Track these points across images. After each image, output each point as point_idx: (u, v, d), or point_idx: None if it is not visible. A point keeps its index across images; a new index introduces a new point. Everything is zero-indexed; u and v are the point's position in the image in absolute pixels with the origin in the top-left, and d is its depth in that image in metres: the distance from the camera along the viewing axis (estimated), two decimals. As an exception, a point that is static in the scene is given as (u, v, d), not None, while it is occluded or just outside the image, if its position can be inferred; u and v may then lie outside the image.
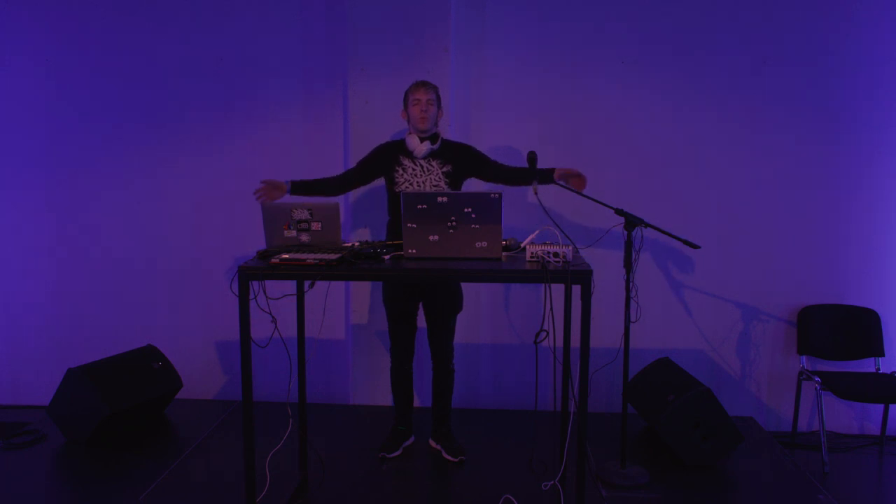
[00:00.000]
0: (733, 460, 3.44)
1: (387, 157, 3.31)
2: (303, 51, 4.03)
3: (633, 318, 3.15)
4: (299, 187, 3.28)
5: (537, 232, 2.80)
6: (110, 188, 4.18)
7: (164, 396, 3.94)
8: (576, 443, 2.57)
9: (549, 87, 3.96)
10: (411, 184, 3.26)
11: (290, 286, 2.83)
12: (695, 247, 3.09)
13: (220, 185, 4.13)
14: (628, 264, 3.07)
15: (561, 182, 3.18)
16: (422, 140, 3.26)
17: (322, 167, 4.03)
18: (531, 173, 3.00)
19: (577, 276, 2.46)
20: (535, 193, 2.91)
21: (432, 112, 3.25)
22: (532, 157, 3.06)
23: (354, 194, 3.89)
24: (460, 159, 3.32)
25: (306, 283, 3.04)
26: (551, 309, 2.53)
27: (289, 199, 2.98)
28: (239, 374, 2.59)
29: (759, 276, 3.99)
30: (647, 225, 3.07)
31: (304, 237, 2.68)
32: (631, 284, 3.09)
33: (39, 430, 3.75)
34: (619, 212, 3.07)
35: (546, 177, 3.21)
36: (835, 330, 3.89)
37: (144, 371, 3.87)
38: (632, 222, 3.03)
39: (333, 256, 2.54)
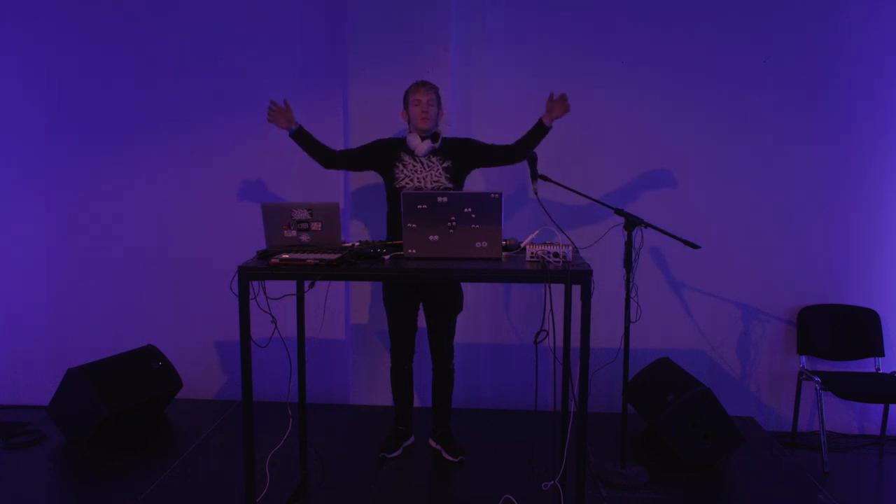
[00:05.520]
0: (733, 460, 3.44)
1: (387, 152, 3.32)
2: (303, 50, 4.03)
3: (633, 318, 3.15)
4: (302, 135, 3.35)
5: (537, 232, 2.80)
6: (110, 189, 4.18)
7: (164, 396, 3.94)
8: (576, 443, 2.57)
9: (548, 87, 3.91)
10: (412, 179, 3.26)
11: (290, 286, 2.83)
12: (695, 247, 3.09)
13: (220, 185, 4.13)
14: (628, 264, 3.07)
15: (555, 180, 3.17)
16: (422, 139, 3.26)
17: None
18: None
19: (577, 276, 2.46)
20: (535, 193, 2.92)
21: (433, 113, 3.25)
22: (532, 157, 3.06)
23: (355, 185, 3.90)
24: (462, 154, 3.32)
25: (306, 283, 3.03)
26: (551, 309, 2.53)
27: (289, 199, 2.97)
28: (239, 374, 2.59)
29: (758, 276, 3.99)
30: (647, 225, 3.07)
31: (304, 237, 2.68)
32: (631, 284, 3.09)
33: (39, 430, 3.75)
34: (618, 212, 3.07)
35: (541, 131, 3.30)
36: (835, 330, 3.89)
37: (144, 371, 3.87)
38: (632, 222, 3.03)
39: (333, 256, 2.54)
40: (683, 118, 3.93)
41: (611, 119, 3.95)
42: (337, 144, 4.01)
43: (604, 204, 3.09)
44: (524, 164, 3.14)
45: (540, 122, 3.30)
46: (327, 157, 3.41)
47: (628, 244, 3.06)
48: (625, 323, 3.14)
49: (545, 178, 3.06)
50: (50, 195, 4.21)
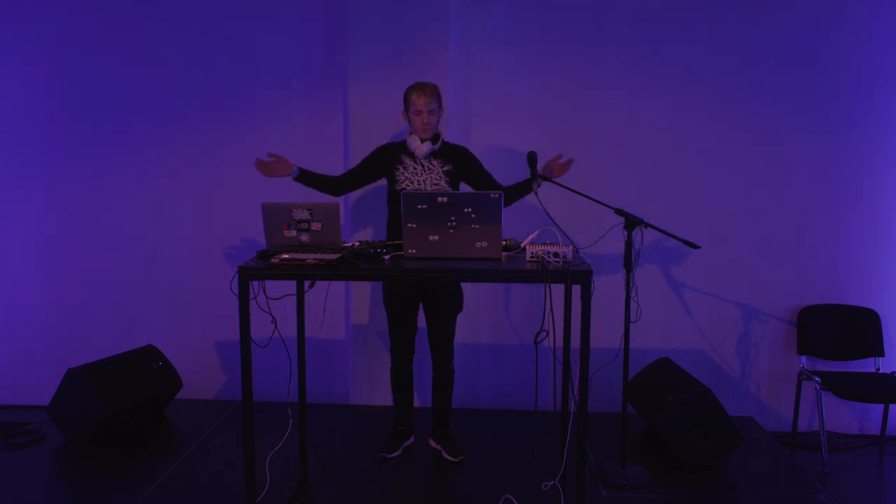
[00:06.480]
0: (733, 460, 3.44)
1: (388, 157, 3.32)
2: (303, 51, 4.03)
3: (633, 318, 3.15)
4: (306, 176, 3.31)
5: (537, 232, 2.80)
6: (110, 188, 4.18)
7: (164, 396, 3.94)
8: (576, 443, 2.57)
9: (548, 87, 3.96)
10: (412, 182, 3.27)
11: (290, 286, 2.83)
12: (695, 247, 3.09)
13: (220, 184, 4.13)
14: (628, 264, 3.07)
15: (555, 180, 3.17)
16: (423, 140, 3.26)
17: (323, 167, 4.04)
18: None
19: (577, 276, 2.46)
20: (536, 194, 2.92)
21: (433, 120, 3.25)
22: (532, 157, 3.06)
23: (355, 194, 3.90)
24: (460, 161, 3.33)
25: (306, 283, 3.03)
26: (551, 309, 2.53)
27: (288, 198, 2.97)
28: (239, 374, 2.59)
29: (759, 276, 3.99)
30: (647, 225, 3.07)
31: (304, 237, 2.68)
32: (631, 284, 3.09)
33: (39, 430, 3.75)
34: (619, 212, 3.07)
35: (528, 186, 3.22)
36: (835, 330, 3.89)
37: (144, 371, 3.87)
38: (632, 222, 3.03)
39: (333, 256, 2.54)
40: (683, 118, 3.93)
41: (610, 118, 3.94)
42: (337, 144, 4.03)
43: (604, 204, 3.09)
44: (525, 165, 3.14)
45: (529, 183, 3.22)
46: (335, 186, 3.38)
47: (628, 244, 3.06)
48: (625, 323, 3.14)
49: (545, 178, 3.06)
50: (50, 195, 4.20)
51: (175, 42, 4.06)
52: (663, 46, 3.89)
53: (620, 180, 3.94)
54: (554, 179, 3.16)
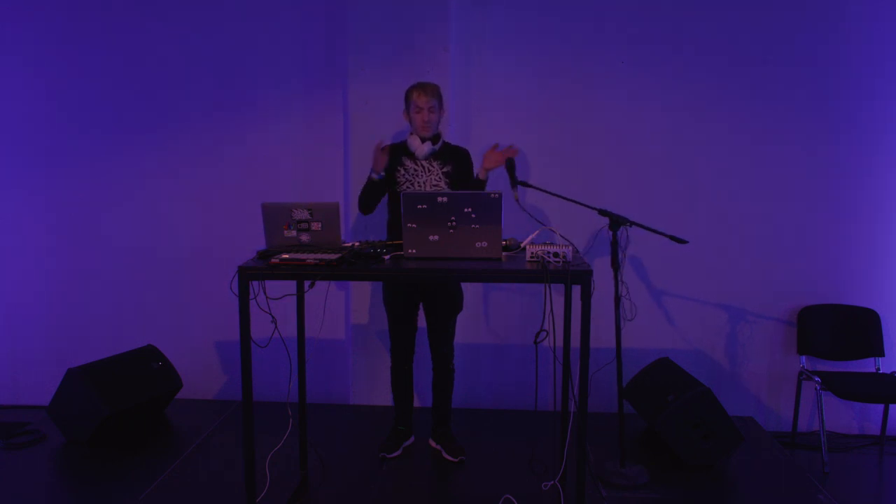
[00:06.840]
0: (733, 460, 3.44)
1: (390, 158, 3.32)
2: (303, 51, 4.03)
3: (629, 318, 3.16)
4: (381, 185, 3.29)
5: (537, 232, 2.80)
6: (110, 188, 4.18)
7: (164, 396, 3.94)
8: (576, 443, 2.57)
9: (548, 86, 3.96)
10: (412, 184, 3.27)
11: (290, 286, 2.83)
12: (682, 241, 3.07)
13: (220, 184, 4.13)
14: (615, 263, 3.08)
15: (533, 184, 3.16)
16: (423, 140, 3.26)
17: (323, 167, 4.06)
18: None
19: (576, 276, 2.46)
20: (517, 200, 2.93)
21: (434, 119, 3.26)
22: (510, 165, 3.08)
23: (354, 194, 3.90)
24: (459, 161, 3.34)
25: (306, 283, 3.03)
26: (551, 309, 2.53)
27: (288, 199, 2.97)
28: (239, 374, 2.59)
29: (759, 277, 3.99)
30: (632, 223, 3.07)
31: (304, 237, 2.68)
32: (621, 283, 3.10)
33: (39, 430, 3.75)
34: (602, 212, 3.08)
35: (478, 185, 3.26)
36: (835, 330, 3.89)
37: (144, 371, 3.87)
38: (616, 222, 3.04)
39: (333, 256, 2.54)
40: (683, 118, 3.93)
41: (609, 118, 3.94)
42: (337, 144, 4.03)
43: (586, 205, 3.09)
44: (521, 165, 3.14)
45: (476, 179, 3.27)
46: (367, 201, 3.35)
47: (614, 244, 3.08)
48: (615, 322, 3.14)
49: (525, 184, 3.07)
50: (50, 195, 4.20)
51: (175, 42, 4.06)
52: (663, 46, 3.89)
53: (620, 180, 3.94)
54: (531, 184, 3.15)
